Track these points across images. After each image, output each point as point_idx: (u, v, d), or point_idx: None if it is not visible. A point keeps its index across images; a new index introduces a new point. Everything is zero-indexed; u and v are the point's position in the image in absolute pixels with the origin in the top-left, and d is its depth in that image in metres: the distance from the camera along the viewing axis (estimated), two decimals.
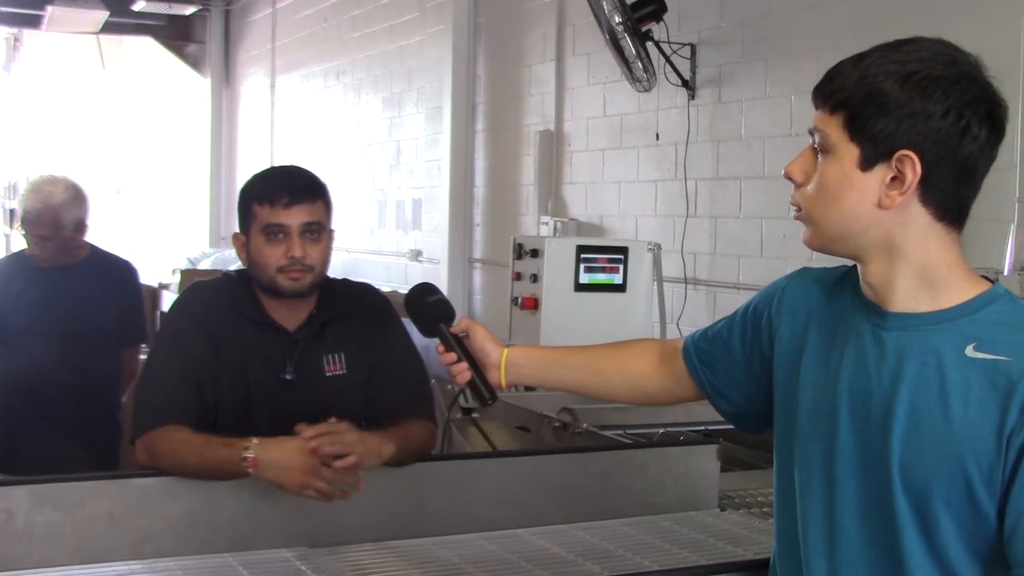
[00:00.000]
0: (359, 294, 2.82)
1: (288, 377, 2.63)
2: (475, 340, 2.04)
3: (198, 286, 2.79)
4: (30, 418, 4.04)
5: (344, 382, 2.69)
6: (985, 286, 1.56)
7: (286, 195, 2.60)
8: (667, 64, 5.68)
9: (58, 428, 4.03)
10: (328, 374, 2.67)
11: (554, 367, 2.06)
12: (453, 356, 2.02)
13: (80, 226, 4.09)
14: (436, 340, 2.08)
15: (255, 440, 2.36)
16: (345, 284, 2.81)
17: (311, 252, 2.62)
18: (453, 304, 2.16)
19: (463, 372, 2.01)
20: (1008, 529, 1.46)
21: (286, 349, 2.65)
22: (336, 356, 2.69)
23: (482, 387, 2.01)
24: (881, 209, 1.52)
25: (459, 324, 2.05)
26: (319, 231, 2.64)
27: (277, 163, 9.44)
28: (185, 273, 8.52)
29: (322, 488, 2.33)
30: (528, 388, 3.83)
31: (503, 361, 2.02)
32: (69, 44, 14.56)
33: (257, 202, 2.62)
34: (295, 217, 2.60)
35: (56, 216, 4.00)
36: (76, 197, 4.07)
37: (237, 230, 2.72)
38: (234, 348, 2.62)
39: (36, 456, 3.93)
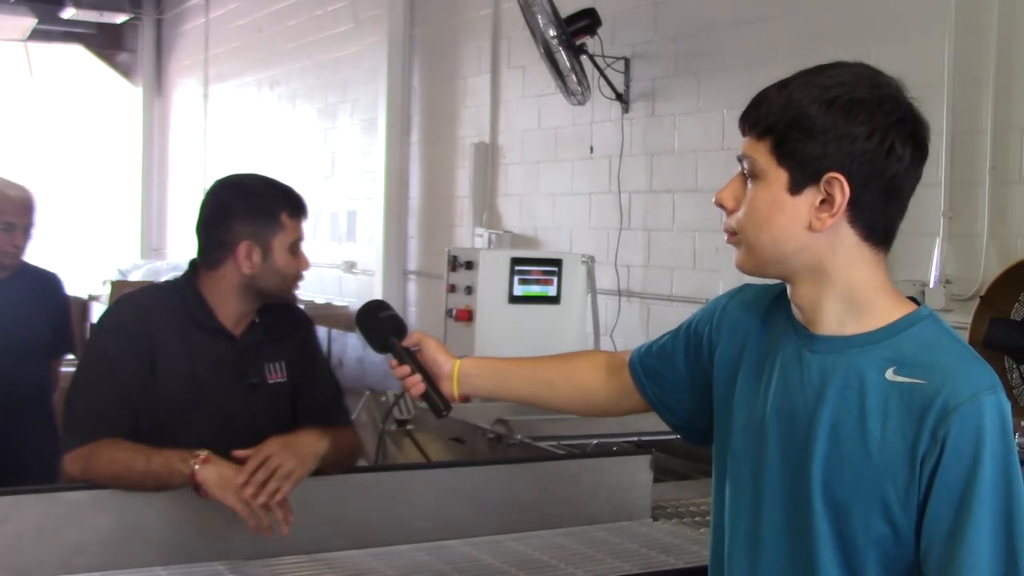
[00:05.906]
0: (288, 305, 2.84)
1: (254, 381, 2.63)
2: (427, 352, 2.04)
3: (128, 297, 2.76)
4: None
5: (283, 390, 2.70)
6: (910, 307, 1.57)
7: (304, 210, 2.69)
8: (601, 78, 5.72)
9: (3, 441, 3.97)
10: (271, 381, 2.68)
11: (505, 378, 2.06)
12: (407, 369, 2.02)
13: (30, 230, 4.05)
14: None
15: (202, 455, 2.34)
16: None
17: None
18: None
19: (417, 384, 2.02)
20: (922, 552, 1.47)
21: (237, 355, 2.64)
22: (277, 364, 2.70)
23: (436, 398, 2.02)
24: (812, 232, 1.54)
25: (411, 338, 2.06)
26: None
27: (210, 174, 9.28)
28: (116, 284, 8.41)
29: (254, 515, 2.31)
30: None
31: (455, 372, 2.02)
32: None
33: (288, 214, 2.65)
34: (303, 231, 2.71)
35: (28, 202, 4.01)
36: (32, 198, 4.09)
37: (224, 236, 2.61)
38: (179, 355, 2.59)
39: None
